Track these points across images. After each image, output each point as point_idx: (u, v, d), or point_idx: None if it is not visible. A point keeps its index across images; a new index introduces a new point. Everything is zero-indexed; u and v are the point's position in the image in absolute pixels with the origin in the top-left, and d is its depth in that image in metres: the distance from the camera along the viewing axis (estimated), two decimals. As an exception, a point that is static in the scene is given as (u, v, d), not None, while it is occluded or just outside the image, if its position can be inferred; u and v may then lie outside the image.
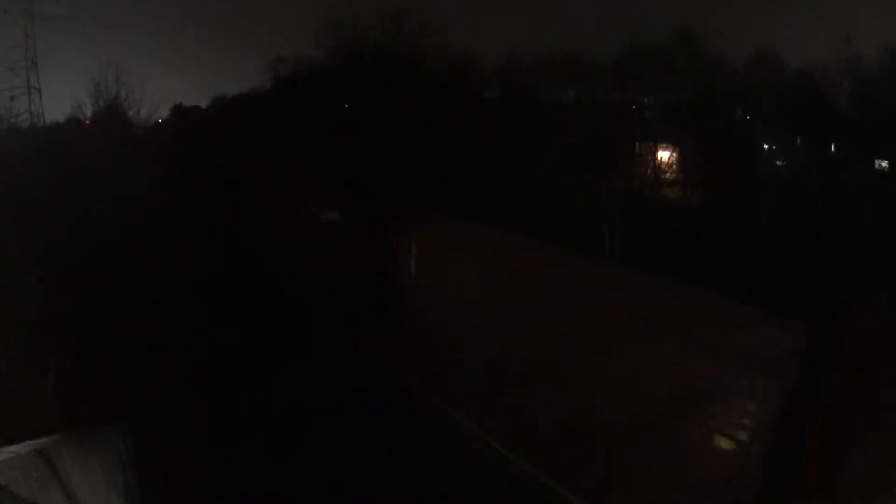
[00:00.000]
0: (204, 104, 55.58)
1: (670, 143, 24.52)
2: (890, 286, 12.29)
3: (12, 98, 39.03)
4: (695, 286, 8.82)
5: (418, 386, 11.54)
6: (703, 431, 6.81)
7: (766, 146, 24.11)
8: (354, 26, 31.69)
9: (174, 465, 8.15)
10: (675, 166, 24.50)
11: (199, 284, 15.35)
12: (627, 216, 18.36)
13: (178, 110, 54.45)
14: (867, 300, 12.12)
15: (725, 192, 19.87)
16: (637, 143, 24.91)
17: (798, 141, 22.19)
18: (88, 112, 35.71)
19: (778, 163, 23.24)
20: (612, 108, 26.76)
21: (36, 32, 42.85)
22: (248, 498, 8.31)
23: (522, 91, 29.26)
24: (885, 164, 21.04)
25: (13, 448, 4.38)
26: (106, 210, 19.27)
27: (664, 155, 24.63)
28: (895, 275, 12.74)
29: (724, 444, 6.58)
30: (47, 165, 22.27)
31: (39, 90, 42.61)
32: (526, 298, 9.70)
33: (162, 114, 48.10)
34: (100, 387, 9.47)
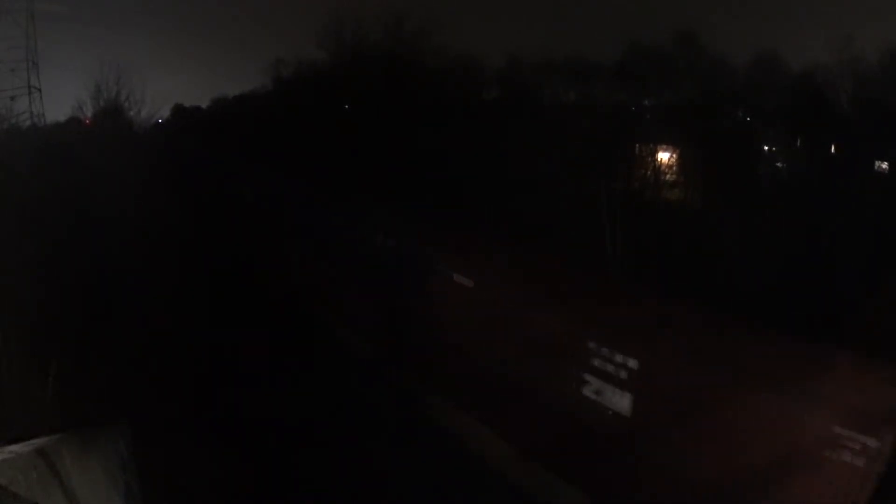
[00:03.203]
0: (205, 105, 55.71)
1: (671, 144, 24.54)
2: (891, 287, 12.29)
3: (13, 98, 39.07)
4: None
5: None
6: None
7: (766, 147, 24.11)
8: (355, 27, 31.78)
9: (175, 465, 8.14)
10: (675, 168, 24.53)
11: (201, 285, 15.33)
12: (627, 218, 18.35)
13: (179, 111, 54.52)
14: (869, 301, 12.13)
15: (726, 193, 19.86)
16: (638, 145, 24.92)
17: (799, 142, 22.19)
18: (89, 112, 35.79)
19: (778, 164, 23.23)
20: (612, 109, 26.76)
21: (36, 32, 42.95)
22: (249, 498, 8.31)
23: (523, 92, 29.28)
24: (885, 165, 21.04)
25: (14, 448, 4.37)
26: (106, 210, 19.26)
27: (665, 156, 24.66)
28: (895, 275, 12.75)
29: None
30: (48, 165, 22.28)
31: (40, 90, 42.67)
32: None
33: (162, 114, 48.24)
34: (100, 387, 9.47)
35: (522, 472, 8.65)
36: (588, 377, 7.27)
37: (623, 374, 6.99)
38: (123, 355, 11.00)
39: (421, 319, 10.79)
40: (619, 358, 7.07)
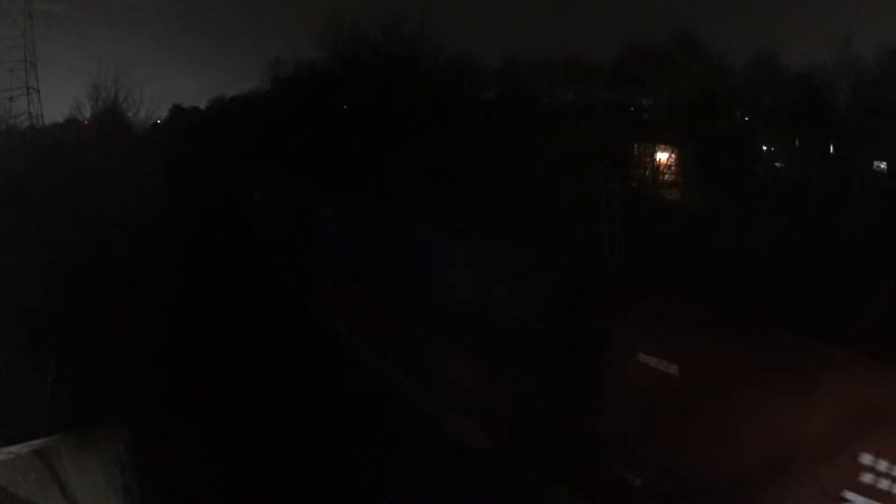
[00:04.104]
0: (203, 105, 55.71)
1: (669, 144, 24.58)
2: (890, 287, 12.30)
3: (11, 99, 39.07)
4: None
5: None
6: None
7: (765, 147, 24.16)
8: (353, 27, 31.77)
9: (174, 466, 8.13)
10: (673, 168, 24.56)
11: (199, 285, 15.31)
12: (626, 218, 18.34)
13: (177, 111, 54.48)
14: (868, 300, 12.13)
15: (724, 193, 19.88)
16: (636, 145, 24.96)
17: (797, 142, 22.23)
18: (87, 113, 35.72)
19: (777, 164, 23.28)
20: (611, 109, 26.77)
21: (35, 32, 42.97)
22: (248, 499, 8.30)
23: (522, 93, 29.30)
24: (883, 165, 21.09)
25: (12, 448, 4.36)
26: (105, 211, 19.23)
27: (663, 157, 24.70)
28: (894, 276, 12.76)
29: None
30: (46, 166, 22.25)
31: (38, 91, 42.67)
32: None
33: (160, 114, 48.19)
34: (99, 387, 9.45)
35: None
36: (851, 496, 5.69)
37: None
38: (122, 356, 10.98)
39: (570, 407, 7.88)
40: None
